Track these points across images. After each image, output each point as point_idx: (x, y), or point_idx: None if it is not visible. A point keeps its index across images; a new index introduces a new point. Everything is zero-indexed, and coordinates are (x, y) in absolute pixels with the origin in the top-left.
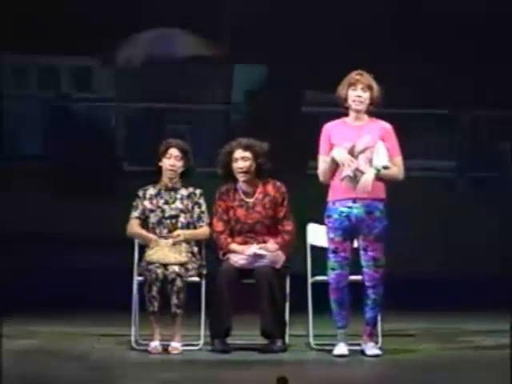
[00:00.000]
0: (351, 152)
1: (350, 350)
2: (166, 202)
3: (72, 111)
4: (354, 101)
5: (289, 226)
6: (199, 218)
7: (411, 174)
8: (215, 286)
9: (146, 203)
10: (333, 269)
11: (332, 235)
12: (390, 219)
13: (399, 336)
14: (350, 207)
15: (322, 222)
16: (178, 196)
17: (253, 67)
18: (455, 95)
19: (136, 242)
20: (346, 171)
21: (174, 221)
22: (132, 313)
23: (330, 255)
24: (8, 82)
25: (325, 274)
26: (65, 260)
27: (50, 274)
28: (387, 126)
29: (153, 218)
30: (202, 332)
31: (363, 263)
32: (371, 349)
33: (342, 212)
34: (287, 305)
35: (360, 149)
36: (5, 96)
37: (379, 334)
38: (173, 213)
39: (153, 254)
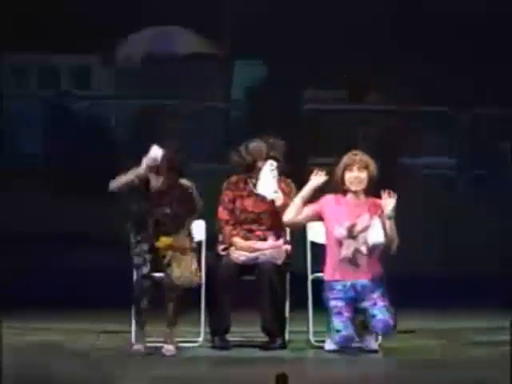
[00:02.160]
0: (350, 231)
1: (348, 348)
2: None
3: (72, 111)
4: (351, 182)
5: None
6: None
7: (411, 173)
8: (215, 282)
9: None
10: (338, 331)
11: (334, 303)
12: None
13: (399, 334)
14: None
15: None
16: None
17: (253, 66)
18: (455, 94)
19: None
20: (345, 252)
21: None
22: (132, 311)
23: (334, 317)
24: (8, 82)
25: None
26: (65, 260)
27: (49, 274)
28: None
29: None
30: (202, 329)
31: (375, 312)
32: (370, 344)
33: (345, 285)
34: (287, 301)
35: (359, 229)
36: (5, 96)
37: None
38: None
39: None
